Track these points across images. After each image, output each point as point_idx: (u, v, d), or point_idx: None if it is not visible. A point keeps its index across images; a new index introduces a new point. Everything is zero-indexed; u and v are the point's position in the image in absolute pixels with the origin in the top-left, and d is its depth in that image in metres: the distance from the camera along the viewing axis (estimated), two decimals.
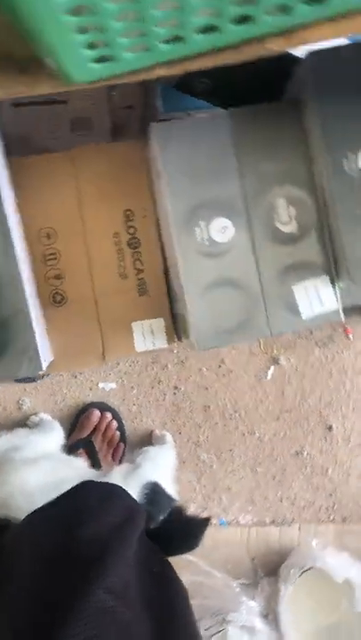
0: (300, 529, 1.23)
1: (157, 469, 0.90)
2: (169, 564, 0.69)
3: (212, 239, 0.71)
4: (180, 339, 0.86)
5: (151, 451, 0.98)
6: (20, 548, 0.62)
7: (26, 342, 0.70)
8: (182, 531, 0.82)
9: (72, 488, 0.72)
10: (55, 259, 0.82)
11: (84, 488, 0.72)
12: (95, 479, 0.79)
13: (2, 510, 0.74)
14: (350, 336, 1.23)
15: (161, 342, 0.84)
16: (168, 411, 1.22)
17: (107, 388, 1.22)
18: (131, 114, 0.93)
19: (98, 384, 1.22)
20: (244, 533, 1.23)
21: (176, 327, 0.85)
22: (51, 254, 0.82)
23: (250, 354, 1.22)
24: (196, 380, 1.22)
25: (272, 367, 1.23)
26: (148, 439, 1.25)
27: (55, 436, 1.08)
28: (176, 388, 1.23)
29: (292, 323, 0.72)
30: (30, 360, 0.70)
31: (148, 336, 0.83)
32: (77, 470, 0.89)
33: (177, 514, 0.82)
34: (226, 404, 1.23)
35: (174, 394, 1.23)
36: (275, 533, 1.22)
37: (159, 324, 0.83)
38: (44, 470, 0.88)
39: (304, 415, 1.23)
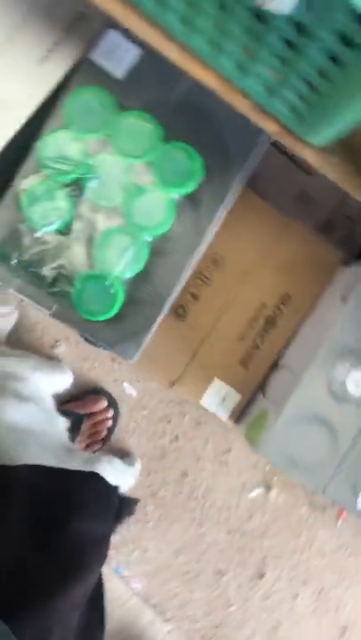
0: (169, 632, 1.20)
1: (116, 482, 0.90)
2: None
3: (345, 384, 0.72)
4: (236, 421, 0.87)
5: (119, 464, 0.98)
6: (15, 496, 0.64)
7: (141, 330, 0.71)
8: None
9: (82, 473, 0.73)
10: (205, 282, 0.84)
11: (94, 479, 0.73)
12: (68, 453, 0.79)
13: None
14: (339, 522, 1.22)
15: (223, 413, 0.85)
16: (155, 449, 1.22)
17: (127, 390, 1.22)
18: (347, 223, 0.96)
19: (124, 382, 1.22)
20: (125, 595, 1.20)
21: (244, 411, 0.86)
22: (205, 276, 0.84)
23: (253, 465, 1.22)
24: (197, 446, 1.22)
25: (260, 490, 1.22)
26: (119, 454, 1.24)
27: (58, 381, 1.08)
28: (177, 438, 1.23)
29: (347, 500, 0.72)
30: (133, 346, 0.72)
31: (218, 399, 0.84)
32: (57, 433, 0.89)
33: None
34: (201, 485, 1.22)
35: (170, 441, 1.23)
36: (148, 616, 1.20)
37: (234, 398, 0.85)
38: (30, 414, 0.88)
39: (251, 548, 1.22)
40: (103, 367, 1.23)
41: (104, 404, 1.20)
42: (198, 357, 0.84)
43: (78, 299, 0.71)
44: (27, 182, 0.69)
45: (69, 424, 1.14)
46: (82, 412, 1.18)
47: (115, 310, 0.71)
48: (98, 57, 0.76)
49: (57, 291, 0.71)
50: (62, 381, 1.10)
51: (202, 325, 0.84)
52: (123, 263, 0.70)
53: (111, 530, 0.74)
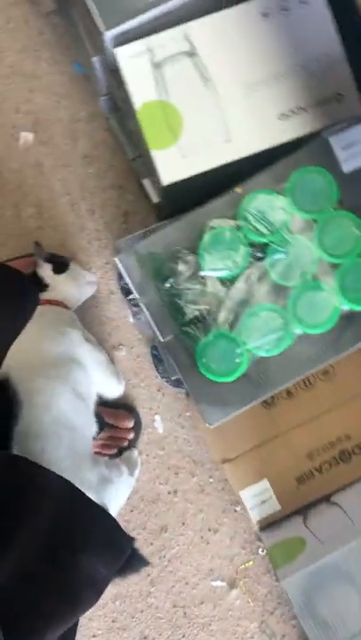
0: None
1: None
2: None
3: None
4: (262, 529, 0.84)
5: (126, 478, 1.00)
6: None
7: (235, 404, 0.70)
8: None
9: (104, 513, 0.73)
10: (306, 386, 0.83)
11: (111, 524, 0.73)
12: (91, 463, 0.84)
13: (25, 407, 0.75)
14: None
15: (256, 514, 0.83)
16: (150, 491, 1.19)
17: (156, 423, 1.20)
18: None
19: (157, 414, 1.20)
20: None
21: (275, 523, 0.83)
22: (309, 381, 0.85)
23: (230, 558, 1.18)
24: (189, 510, 1.19)
25: (224, 584, 1.18)
26: None
27: (112, 389, 1.06)
28: (175, 492, 1.20)
29: None
30: (220, 414, 0.70)
31: (258, 499, 0.82)
32: (89, 438, 0.90)
33: None
34: (173, 548, 1.19)
35: (168, 492, 1.20)
36: None
37: (274, 507, 0.83)
38: (77, 411, 0.86)
39: (186, 633, 1.18)
40: (147, 390, 1.20)
41: (130, 424, 1.18)
42: (262, 451, 0.81)
43: (203, 349, 0.70)
44: (217, 222, 0.69)
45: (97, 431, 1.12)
46: (107, 420, 1.16)
47: (229, 378, 0.69)
48: (335, 142, 0.76)
49: (187, 330, 0.69)
50: (114, 391, 1.08)
51: (282, 423, 0.82)
52: (263, 341, 0.69)
53: (111, 578, 0.71)
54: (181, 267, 0.69)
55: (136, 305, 0.99)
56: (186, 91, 0.76)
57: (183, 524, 1.20)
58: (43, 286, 0.98)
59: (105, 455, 1.16)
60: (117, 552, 0.74)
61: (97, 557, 0.68)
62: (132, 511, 1.20)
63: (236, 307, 0.70)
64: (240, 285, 0.70)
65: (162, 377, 1.08)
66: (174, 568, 1.19)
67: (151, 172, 0.84)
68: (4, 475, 0.66)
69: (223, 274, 0.70)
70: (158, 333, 0.75)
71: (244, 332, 0.69)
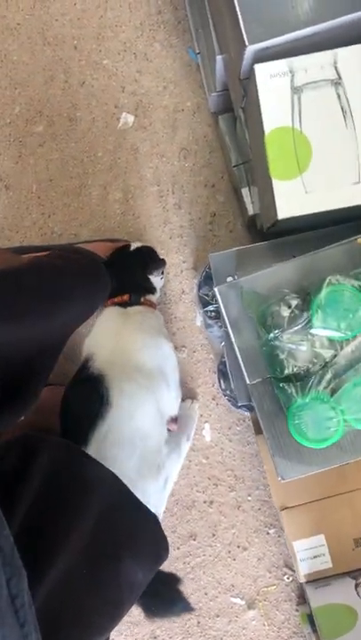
0: None
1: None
2: None
3: None
4: (308, 581, 0.82)
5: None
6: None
7: (313, 465, 0.67)
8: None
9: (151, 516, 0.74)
10: None
11: (158, 529, 0.74)
12: (155, 471, 0.83)
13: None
14: None
15: (305, 568, 0.81)
16: (187, 497, 1.18)
17: (205, 431, 1.18)
18: None
19: (207, 422, 1.18)
20: None
21: (322, 581, 0.81)
22: None
23: (254, 579, 1.17)
24: (222, 523, 1.17)
25: (243, 602, 1.17)
26: None
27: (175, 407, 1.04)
28: (211, 503, 1.19)
29: None
30: (295, 471, 0.68)
31: (310, 553, 0.80)
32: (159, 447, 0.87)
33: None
34: (199, 557, 1.18)
35: (204, 501, 1.19)
36: None
37: (326, 564, 0.80)
38: (155, 423, 0.85)
39: None
40: (202, 397, 1.18)
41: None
42: (324, 505, 0.79)
43: (297, 410, 0.66)
44: (337, 278, 0.64)
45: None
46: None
47: (320, 446, 0.66)
48: None
49: (283, 386, 0.66)
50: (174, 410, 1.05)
51: (351, 481, 0.79)
52: None
53: (146, 584, 0.70)
54: (285, 312, 0.65)
55: (212, 317, 0.96)
56: (322, 121, 0.70)
57: (213, 535, 1.19)
58: (152, 289, 0.98)
59: None
60: (157, 559, 0.73)
61: (138, 563, 0.67)
62: (164, 513, 1.19)
63: (342, 372, 0.66)
64: (351, 350, 0.66)
65: (223, 393, 1.05)
66: (196, 576, 1.18)
67: (263, 198, 0.79)
68: (58, 462, 0.64)
69: (335, 335, 0.65)
70: (246, 375, 0.71)
71: (345, 401, 0.65)
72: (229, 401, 1.04)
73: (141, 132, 1.17)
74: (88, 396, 0.80)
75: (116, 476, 0.73)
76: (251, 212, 0.99)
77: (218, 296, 0.68)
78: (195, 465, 1.19)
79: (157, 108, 1.18)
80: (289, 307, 0.65)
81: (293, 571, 1.11)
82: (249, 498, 1.19)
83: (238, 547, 1.18)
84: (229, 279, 0.85)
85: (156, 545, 0.74)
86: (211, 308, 0.94)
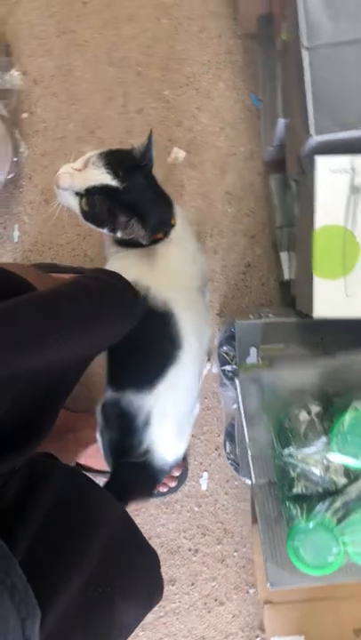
0: None
1: None
2: None
3: None
4: None
5: None
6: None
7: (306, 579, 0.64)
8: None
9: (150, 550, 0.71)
10: None
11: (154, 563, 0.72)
12: None
13: None
14: None
15: None
16: (173, 541, 1.17)
17: (202, 479, 1.17)
18: None
19: (206, 472, 1.17)
20: None
21: None
22: None
23: (226, 635, 1.15)
24: (203, 574, 1.16)
25: None
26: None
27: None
28: (196, 552, 1.17)
29: None
30: (287, 581, 0.65)
31: None
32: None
33: None
34: (174, 603, 1.17)
35: (189, 549, 1.17)
36: None
37: None
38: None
39: None
40: (205, 445, 1.17)
41: (177, 473, 1.15)
42: (308, 607, 0.77)
43: (298, 532, 0.64)
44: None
45: None
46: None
47: (316, 573, 0.64)
48: None
49: (289, 505, 0.63)
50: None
51: (339, 588, 0.76)
52: None
53: (137, 625, 0.68)
54: (304, 416, 0.63)
55: (229, 377, 0.94)
56: None
57: (193, 584, 1.18)
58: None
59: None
60: (150, 602, 0.70)
61: (132, 605, 0.64)
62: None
63: (351, 502, 0.63)
64: None
65: (228, 456, 1.04)
66: (168, 621, 1.17)
67: (303, 285, 0.77)
68: (65, 493, 0.62)
69: (353, 463, 0.63)
70: (253, 473, 0.69)
71: (350, 533, 0.63)
72: (232, 465, 1.02)
73: (190, 170, 1.15)
74: (162, 334, 0.78)
75: (124, 508, 0.71)
76: (286, 277, 0.96)
77: (238, 386, 0.66)
78: (186, 511, 1.18)
79: (210, 147, 1.15)
80: (308, 412, 0.63)
81: None
82: (235, 553, 1.17)
83: (216, 600, 1.16)
84: (253, 350, 0.83)
85: (152, 587, 0.72)
86: (228, 367, 0.92)
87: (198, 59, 1.14)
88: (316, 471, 0.61)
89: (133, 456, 0.81)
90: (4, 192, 1.15)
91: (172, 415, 0.81)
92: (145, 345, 0.79)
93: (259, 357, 0.76)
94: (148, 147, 0.78)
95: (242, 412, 0.65)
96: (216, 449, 1.17)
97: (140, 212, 0.78)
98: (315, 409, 0.63)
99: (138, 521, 1.18)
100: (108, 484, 0.84)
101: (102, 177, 0.76)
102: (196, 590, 1.17)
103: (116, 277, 0.76)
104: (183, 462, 1.15)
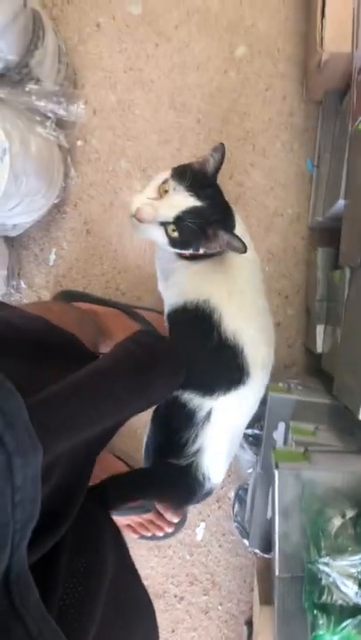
0: None
1: None
2: None
3: None
4: None
5: None
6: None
7: None
8: None
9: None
10: None
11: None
12: None
13: None
14: None
15: None
16: (160, 585, 1.17)
17: (198, 529, 1.17)
18: None
19: (203, 522, 1.17)
20: None
21: None
22: None
23: None
24: (185, 621, 1.16)
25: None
26: None
27: None
28: (181, 599, 1.17)
29: None
30: None
31: None
32: None
33: None
34: None
35: (175, 595, 1.17)
36: None
37: None
38: None
39: None
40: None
41: (176, 519, 1.14)
42: None
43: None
44: None
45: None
46: (158, 506, 1.13)
47: None
48: None
49: (314, 610, 0.64)
50: None
51: None
52: None
53: None
54: (338, 520, 0.63)
55: (250, 442, 0.94)
56: None
57: (173, 631, 1.18)
58: None
59: (136, 534, 1.14)
60: None
61: None
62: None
63: None
64: None
65: (234, 518, 1.04)
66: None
67: (354, 376, 0.76)
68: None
69: None
70: (277, 566, 0.69)
71: None
72: (237, 528, 1.02)
73: None
74: (230, 361, 0.80)
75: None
76: (319, 350, 0.97)
77: (276, 478, 0.67)
78: (177, 558, 1.18)
79: (258, 205, 1.16)
80: (343, 516, 0.63)
81: None
82: (219, 607, 1.17)
83: None
84: (281, 425, 0.83)
85: None
86: (250, 431, 0.92)
87: (260, 116, 1.15)
88: (350, 584, 0.61)
89: (182, 455, 0.82)
90: (47, 215, 1.15)
91: (228, 430, 0.82)
92: (213, 362, 0.81)
93: (292, 439, 0.76)
94: (221, 162, 0.78)
95: (276, 503, 0.65)
96: (217, 501, 1.17)
97: (223, 223, 0.79)
98: (349, 513, 0.63)
99: None
100: (140, 474, 0.84)
101: (188, 201, 0.75)
102: (176, 638, 1.17)
103: (164, 342, 0.76)
104: (182, 510, 1.15)
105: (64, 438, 0.48)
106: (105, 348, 1.10)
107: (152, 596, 1.17)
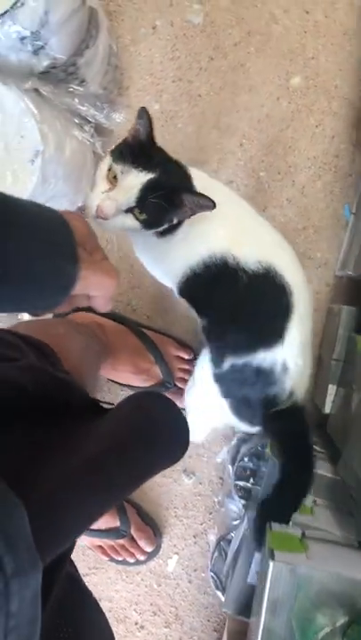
0: None
1: None
2: None
3: None
4: None
5: None
6: None
7: None
8: None
9: None
10: None
11: None
12: None
13: None
14: None
15: None
16: (121, 612, 1.14)
17: (169, 561, 1.14)
18: None
19: (175, 554, 1.14)
20: None
21: None
22: None
23: None
24: None
25: None
26: None
27: None
28: (142, 627, 1.15)
29: None
30: None
31: None
32: None
33: None
34: None
35: (136, 624, 1.15)
36: None
37: None
38: None
39: None
40: (185, 528, 1.14)
41: (149, 549, 1.12)
42: None
43: None
44: None
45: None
46: (132, 531, 1.11)
47: None
48: None
49: None
50: None
51: None
52: None
53: None
54: (327, 628, 0.60)
55: (240, 495, 0.91)
56: None
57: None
58: None
59: (107, 556, 1.12)
60: None
61: None
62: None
63: None
64: None
65: (211, 568, 1.01)
66: None
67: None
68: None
69: None
70: None
71: None
72: (212, 578, 1.00)
73: None
74: (273, 290, 0.79)
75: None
76: (327, 410, 0.94)
77: (270, 569, 0.63)
78: (145, 585, 1.15)
79: (288, 243, 1.12)
80: (333, 624, 0.60)
81: None
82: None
83: None
84: None
85: None
86: (242, 483, 0.89)
87: (305, 152, 1.11)
88: None
89: (279, 403, 0.82)
90: None
91: (302, 346, 0.81)
92: (265, 307, 0.80)
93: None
94: (150, 124, 0.71)
95: (265, 596, 0.62)
96: (194, 536, 1.15)
97: (184, 185, 0.75)
98: (340, 620, 0.60)
99: (94, 580, 1.16)
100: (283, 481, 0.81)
101: (140, 177, 0.69)
102: None
103: (175, 410, 0.72)
104: (157, 539, 1.13)
105: (64, 544, 0.45)
106: (106, 367, 1.06)
107: (112, 620, 1.15)
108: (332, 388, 0.93)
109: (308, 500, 0.76)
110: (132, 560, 1.13)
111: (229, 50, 1.10)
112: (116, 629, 1.15)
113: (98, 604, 0.62)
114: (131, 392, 1.13)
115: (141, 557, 1.12)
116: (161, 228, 0.76)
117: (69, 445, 0.53)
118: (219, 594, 0.98)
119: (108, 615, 1.11)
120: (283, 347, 0.79)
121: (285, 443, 0.83)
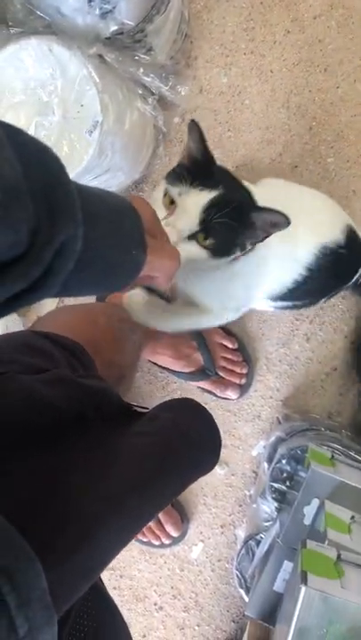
0: None
1: None
2: None
3: None
4: None
5: None
6: None
7: None
8: None
9: None
10: None
11: None
12: None
13: None
14: None
15: None
16: (142, 592, 1.15)
17: (194, 548, 1.13)
18: None
19: (201, 542, 1.13)
20: None
21: None
22: None
23: None
24: (158, 639, 1.15)
25: None
26: None
27: None
28: (161, 609, 1.15)
29: None
30: None
31: None
32: None
33: None
34: None
35: (155, 604, 1.16)
36: None
37: None
38: None
39: None
40: (212, 518, 1.13)
41: (175, 534, 1.12)
42: None
43: None
44: None
45: None
46: (160, 515, 1.10)
47: None
48: None
49: None
50: None
51: None
52: None
53: None
54: None
55: (274, 497, 0.88)
56: None
57: (144, 636, 1.16)
58: None
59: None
60: None
61: None
62: (114, 588, 1.17)
63: None
64: None
65: (236, 567, 0.99)
66: None
67: None
68: None
69: None
70: None
71: None
72: (237, 577, 0.98)
73: None
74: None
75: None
76: None
77: (301, 594, 0.59)
78: (167, 569, 1.15)
79: None
80: None
81: None
82: (196, 627, 1.15)
83: None
84: (315, 501, 0.76)
85: None
86: (277, 485, 0.86)
87: None
88: None
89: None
90: (123, 191, 1.07)
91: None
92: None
93: (324, 527, 0.69)
94: (202, 138, 0.64)
95: (294, 619, 0.59)
96: (222, 526, 1.13)
97: (251, 204, 0.68)
98: None
99: (117, 556, 1.17)
100: None
101: (201, 196, 0.62)
102: None
103: (206, 414, 0.69)
104: (184, 525, 1.12)
105: (85, 589, 0.43)
106: (147, 349, 1.04)
107: (132, 598, 1.16)
108: None
109: (346, 515, 0.72)
110: (156, 542, 1.12)
111: (308, 23, 1.03)
112: (135, 607, 1.16)
113: (119, 612, 0.60)
114: (170, 375, 1.10)
115: (166, 541, 1.12)
116: (232, 257, 0.68)
117: (97, 463, 0.50)
118: (242, 592, 0.96)
119: (127, 593, 1.12)
120: None
121: None
